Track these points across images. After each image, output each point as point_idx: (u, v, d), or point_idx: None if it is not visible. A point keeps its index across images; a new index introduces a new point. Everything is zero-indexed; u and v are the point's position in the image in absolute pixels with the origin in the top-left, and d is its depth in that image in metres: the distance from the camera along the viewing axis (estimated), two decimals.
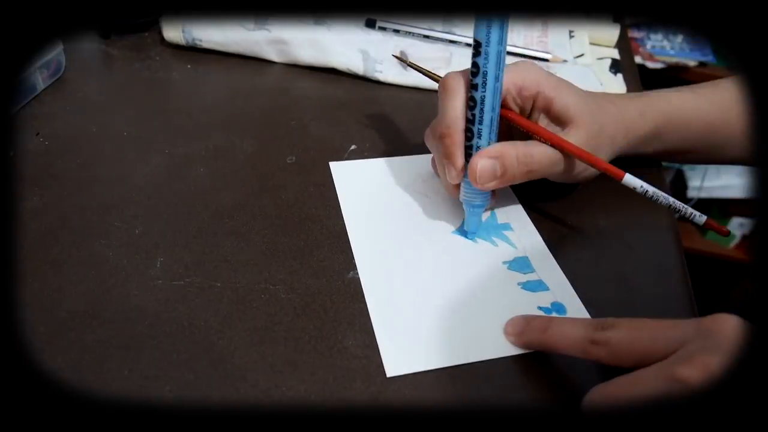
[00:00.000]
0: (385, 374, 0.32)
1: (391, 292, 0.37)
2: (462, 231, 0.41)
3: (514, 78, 0.39)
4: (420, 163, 0.47)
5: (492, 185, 0.38)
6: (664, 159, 0.48)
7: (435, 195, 0.44)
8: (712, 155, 0.47)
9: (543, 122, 0.40)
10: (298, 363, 0.32)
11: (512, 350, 0.34)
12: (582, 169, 0.40)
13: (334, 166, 0.46)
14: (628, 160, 0.44)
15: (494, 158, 0.37)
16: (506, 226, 0.42)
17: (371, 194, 0.44)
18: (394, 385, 0.32)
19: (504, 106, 0.39)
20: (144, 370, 0.31)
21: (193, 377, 0.31)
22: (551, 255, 0.40)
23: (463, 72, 0.38)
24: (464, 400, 0.32)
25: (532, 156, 0.38)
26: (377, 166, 0.47)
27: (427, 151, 0.45)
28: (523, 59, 0.41)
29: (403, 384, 0.32)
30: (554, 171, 0.40)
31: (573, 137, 0.39)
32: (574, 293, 0.38)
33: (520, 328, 0.35)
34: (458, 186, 0.40)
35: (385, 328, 0.35)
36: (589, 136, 0.39)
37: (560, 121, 0.40)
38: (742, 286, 1.37)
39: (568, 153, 0.39)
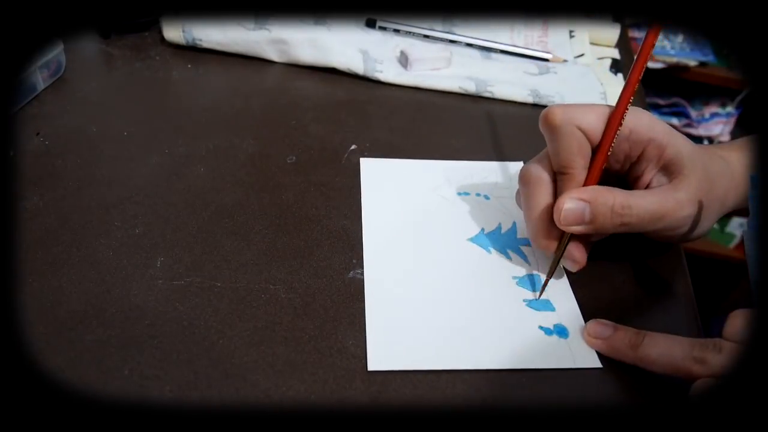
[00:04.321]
0: (385, 374, 0.32)
1: (392, 290, 0.37)
2: (478, 239, 0.41)
3: (626, 121, 0.36)
4: (450, 167, 0.47)
5: (578, 230, 0.35)
6: None
7: (460, 201, 0.44)
8: None
9: (650, 173, 0.37)
10: (298, 363, 0.32)
11: (500, 364, 0.33)
12: (689, 227, 0.36)
13: (363, 161, 0.47)
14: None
15: (585, 201, 0.35)
16: (524, 241, 0.41)
17: (394, 193, 0.44)
18: (394, 385, 0.32)
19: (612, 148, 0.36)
20: (144, 370, 0.31)
21: (193, 377, 0.31)
22: (566, 277, 0.39)
23: (542, 159, 0.38)
24: (464, 401, 0.32)
25: (630, 207, 0.35)
26: (406, 167, 0.47)
27: (450, 157, 0.45)
28: (638, 108, 0.37)
29: (403, 384, 0.32)
30: (654, 227, 0.36)
31: (683, 190, 0.35)
32: (582, 319, 0.36)
33: (607, 333, 0.34)
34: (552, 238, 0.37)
35: (376, 322, 0.35)
36: (699, 191, 0.36)
37: (670, 170, 0.36)
38: (742, 286, 1.37)
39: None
